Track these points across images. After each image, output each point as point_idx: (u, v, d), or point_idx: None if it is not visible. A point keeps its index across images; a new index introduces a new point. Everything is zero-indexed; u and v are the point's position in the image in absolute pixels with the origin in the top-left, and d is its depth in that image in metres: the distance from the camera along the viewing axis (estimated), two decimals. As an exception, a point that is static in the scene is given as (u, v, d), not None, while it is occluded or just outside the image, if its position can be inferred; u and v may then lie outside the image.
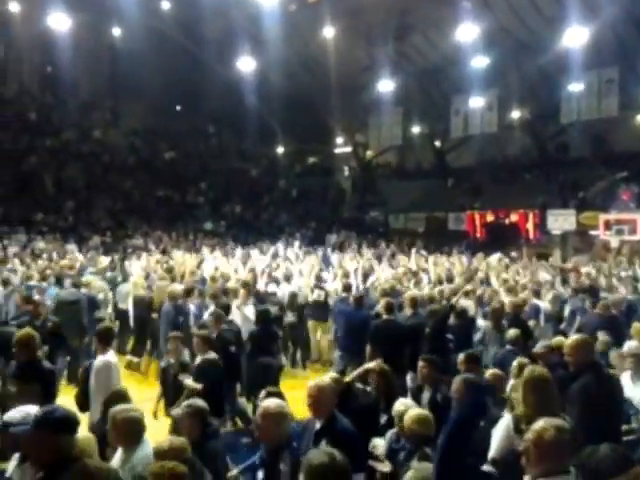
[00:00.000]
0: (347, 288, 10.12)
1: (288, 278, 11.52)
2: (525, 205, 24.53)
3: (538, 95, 25.92)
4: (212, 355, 6.29)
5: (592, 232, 22.16)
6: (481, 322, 8.55)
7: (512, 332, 6.91)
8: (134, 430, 3.81)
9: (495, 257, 15.50)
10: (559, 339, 6.30)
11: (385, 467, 4.53)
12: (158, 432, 5.10)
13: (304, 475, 2.88)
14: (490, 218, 26.11)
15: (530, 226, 24.43)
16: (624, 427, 4.92)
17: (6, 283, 10.53)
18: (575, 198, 23.52)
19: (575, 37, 19.89)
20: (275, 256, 14.87)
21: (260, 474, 3.72)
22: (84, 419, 4.93)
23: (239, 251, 15.86)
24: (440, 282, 11.57)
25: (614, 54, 22.32)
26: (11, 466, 3.41)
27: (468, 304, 8.96)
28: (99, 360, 5.71)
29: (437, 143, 31.59)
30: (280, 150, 35.02)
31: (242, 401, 7.75)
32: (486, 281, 11.76)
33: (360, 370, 5.74)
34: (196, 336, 6.55)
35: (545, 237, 23.84)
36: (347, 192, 34.06)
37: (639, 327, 7.10)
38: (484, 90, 25.31)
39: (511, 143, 28.81)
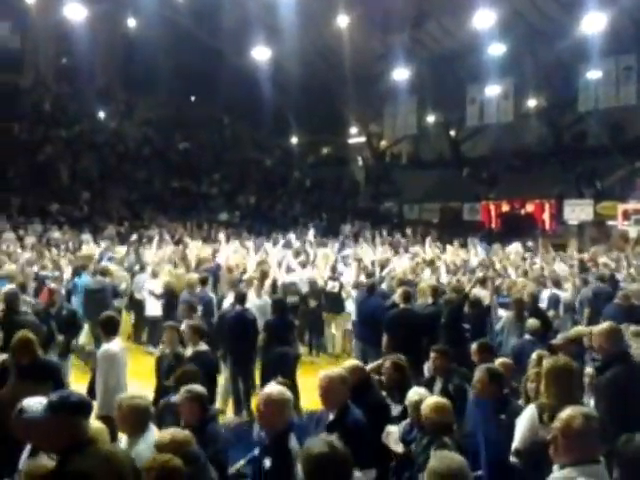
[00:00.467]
0: (369, 276, 10.13)
1: (304, 265, 11.48)
2: (541, 195, 24.25)
3: (555, 83, 25.60)
4: (203, 347, 6.25)
5: (610, 222, 21.92)
6: (502, 312, 8.49)
7: (532, 322, 6.86)
8: (139, 418, 3.83)
9: (514, 246, 15.42)
10: (578, 329, 6.26)
11: (399, 448, 4.47)
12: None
13: (303, 465, 2.76)
14: (505, 208, 25.82)
15: (546, 216, 24.17)
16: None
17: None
18: (592, 188, 23.23)
19: (593, 23, 19.63)
20: (287, 245, 14.64)
21: (267, 462, 3.68)
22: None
23: (251, 243, 15.77)
24: (455, 272, 11.54)
25: (632, 41, 22.00)
26: (22, 459, 3.40)
27: (484, 294, 8.91)
28: (102, 349, 5.77)
29: (452, 132, 31.24)
30: (294, 140, 34.93)
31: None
32: (504, 271, 11.70)
33: (375, 364, 5.74)
34: (187, 326, 6.46)
35: (561, 227, 23.60)
36: (361, 182, 33.85)
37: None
38: (500, 78, 25.04)
39: (527, 132, 28.34)
